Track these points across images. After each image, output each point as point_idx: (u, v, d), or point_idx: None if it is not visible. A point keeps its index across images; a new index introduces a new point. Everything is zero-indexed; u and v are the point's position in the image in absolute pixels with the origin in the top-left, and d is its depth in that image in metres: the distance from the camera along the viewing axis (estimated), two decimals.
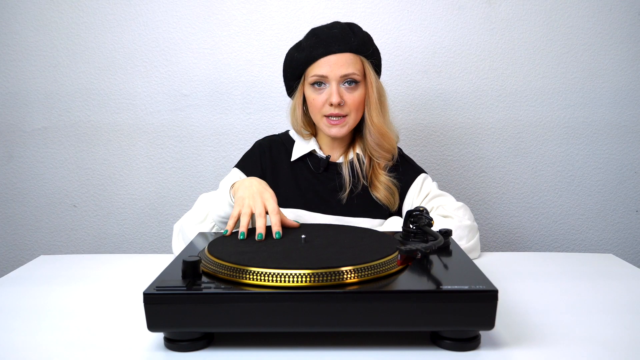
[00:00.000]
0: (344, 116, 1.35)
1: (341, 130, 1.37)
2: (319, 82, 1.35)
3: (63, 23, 1.95)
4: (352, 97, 1.35)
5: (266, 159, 1.45)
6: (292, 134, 1.50)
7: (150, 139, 2.01)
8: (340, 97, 1.33)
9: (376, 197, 1.40)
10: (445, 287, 0.78)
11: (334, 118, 1.35)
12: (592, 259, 1.31)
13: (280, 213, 1.10)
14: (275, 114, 1.98)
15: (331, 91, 1.33)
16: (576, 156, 2.01)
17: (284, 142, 1.48)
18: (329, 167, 1.43)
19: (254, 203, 1.11)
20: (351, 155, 1.44)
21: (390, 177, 1.41)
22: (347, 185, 1.40)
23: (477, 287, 0.77)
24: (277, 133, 1.54)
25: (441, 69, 1.97)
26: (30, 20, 1.95)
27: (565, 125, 1.99)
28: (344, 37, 1.34)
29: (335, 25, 1.37)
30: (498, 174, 2.02)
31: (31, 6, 1.94)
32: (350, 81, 1.34)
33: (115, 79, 1.98)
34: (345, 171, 1.41)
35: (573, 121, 1.99)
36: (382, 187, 1.40)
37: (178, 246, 1.30)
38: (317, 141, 1.46)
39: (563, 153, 2.01)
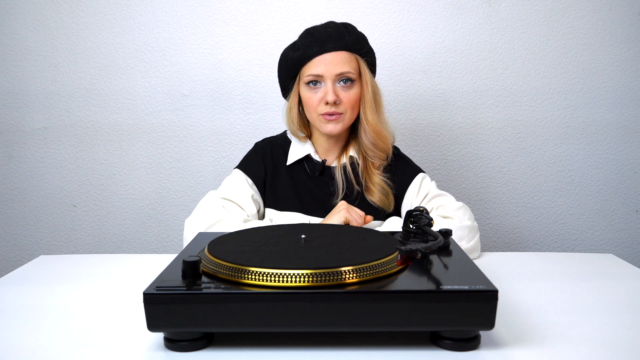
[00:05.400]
0: (340, 114, 1.35)
1: (337, 126, 1.36)
2: (315, 81, 1.35)
3: (63, 23, 1.95)
4: (348, 95, 1.35)
5: (268, 161, 1.44)
6: (290, 135, 1.50)
7: (150, 139, 2.01)
8: (336, 95, 1.33)
9: (371, 200, 1.40)
10: (445, 287, 0.78)
11: (330, 115, 1.35)
12: (592, 259, 1.31)
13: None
14: (275, 114, 1.98)
15: (327, 90, 1.33)
16: (576, 156, 2.01)
17: (281, 144, 1.48)
18: (325, 171, 1.43)
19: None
20: (344, 159, 1.43)
21: (385, 177, 1.41)
22: (341, 191, 1.40)
23: (477, 287, 0.77)
24: (275, 135, 1.54)
25: (441, 69, 1.97)
26: (30, 20, 1.95)
27: (565, 125, 1.99)
28: (339, 36, 1.34)
29: (330, 24, 1.38)
30: (498, 174, 2.02)
31: (31, 6, 1.94)
32: (345, 80, 1.34)
33: (115, 79, 1.98)
34: (339, 176, 1.41)
35: (573, 121, 1.99)
36: (376, 190, 1.39)
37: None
38: (313, 144, 1.46)
39: (563, 153, 2.01)
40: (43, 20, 1.95)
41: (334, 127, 1.36)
